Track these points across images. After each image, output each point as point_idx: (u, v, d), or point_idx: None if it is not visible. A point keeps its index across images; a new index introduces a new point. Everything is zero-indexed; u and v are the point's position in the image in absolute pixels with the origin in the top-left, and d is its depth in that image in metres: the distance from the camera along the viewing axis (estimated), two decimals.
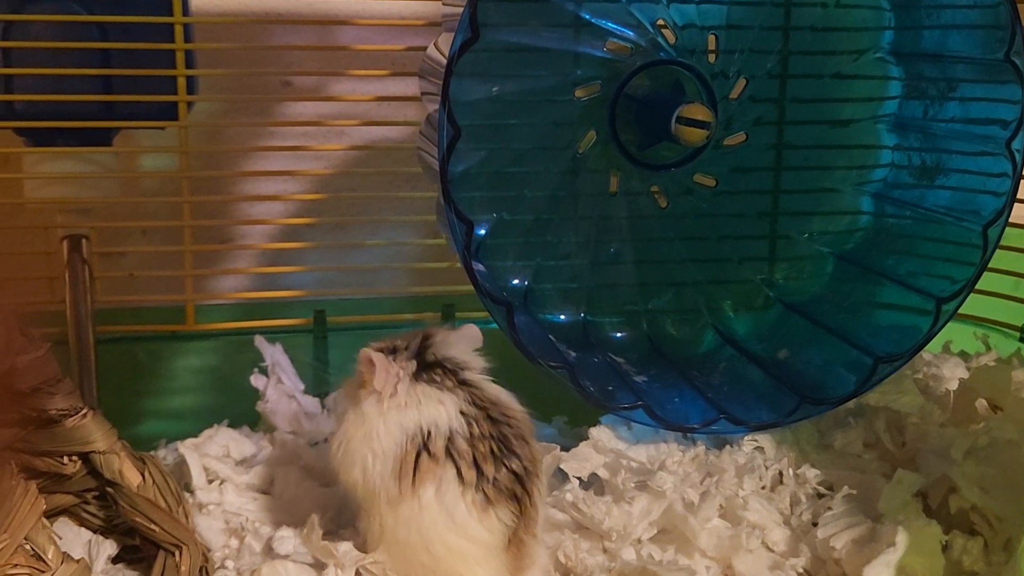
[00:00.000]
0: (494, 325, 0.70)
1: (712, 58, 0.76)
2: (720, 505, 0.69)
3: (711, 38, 0.76)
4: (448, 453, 0.59)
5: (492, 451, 0.60)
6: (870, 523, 0.66)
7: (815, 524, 0.68)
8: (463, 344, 0.64)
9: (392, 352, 0.62)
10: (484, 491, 0.59)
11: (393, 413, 0.61)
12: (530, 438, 0.62)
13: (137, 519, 0.63)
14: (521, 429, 0.61)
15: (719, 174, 0.79)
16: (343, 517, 0.69)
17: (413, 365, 0.62)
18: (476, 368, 0.63)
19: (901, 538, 0.62)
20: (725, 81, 0.77)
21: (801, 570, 0.66)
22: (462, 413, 0.60)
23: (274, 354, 0.82)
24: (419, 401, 0.61)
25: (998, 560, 0.64)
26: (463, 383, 0.62)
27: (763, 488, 0.73)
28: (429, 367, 0.62)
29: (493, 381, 0.64)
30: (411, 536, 0.59)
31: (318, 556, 0.62)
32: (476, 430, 0.60)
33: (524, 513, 0.60)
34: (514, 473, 0.60)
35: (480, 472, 0.59)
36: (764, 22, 0.77)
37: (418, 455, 0.59)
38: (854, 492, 0.69)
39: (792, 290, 0.82)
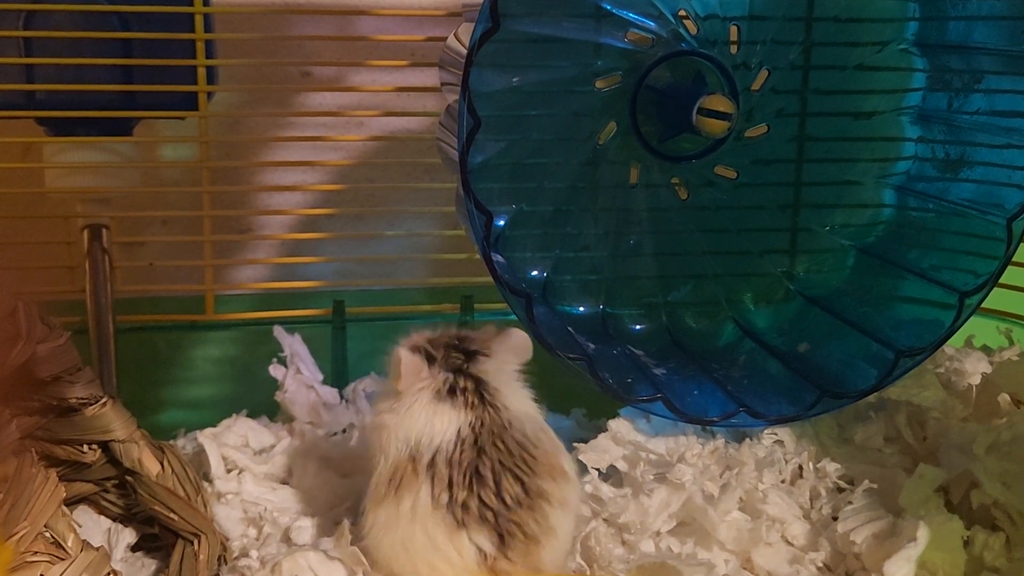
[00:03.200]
0: (513, 317, 0.70)
1: (734, 49, 0.76)
2: (740, 498, 0.69)
3: (733, 29, 0.76)
4: (429, 469, 0.59)
5: (470, 477, 0.58)
6: (891, 518, 0.65)
7: (835, 518, 0.68)
8: (510, 357, 0.63)
9: (430, 360, 0.62)
10: (454, 513, 0.58)
11: (405, 419, 0.60)
12: (546, 474, 0.60)
13: (156, 508, 0.64)
14: (531, 462, 0.60)
15: (740, 166, 0.79)
16: (362, 507, 0.69)
17: (446, 383, 0.61)
18: (513, 391, 0.62)
19: (922, 533, 0.61)
20: (747, 72, 0.76)
21: (820, 564, 0.65)
22: (458, 433, 0.60)
23: (293, 344, 0.82)
24: (432, 413, 0.60)
25: (1020, 556, 0.63)
26: (487, 404, 0.61)
27: (783, 482, 0.72)
28: (461, 388, 0.61)
29: (537, 406, 0.63)
30: (394, 543, 0.59)
31: (347, 562, 0.62)
32: (460, 454, 0.59)
33: (507, 543, 0.58)
34: (488, 504, 0.58)
35: (451, 495, 0.58)
36: (787, 13, 0.77)
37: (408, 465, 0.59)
38: (875, 486, 0.68)
39: (813, 283, 0.81)
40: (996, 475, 0.66)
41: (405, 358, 0.61)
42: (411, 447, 0.60)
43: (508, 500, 0.58)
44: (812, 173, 0.80)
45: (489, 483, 0.58)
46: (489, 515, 0.58)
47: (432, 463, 0.59)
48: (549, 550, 0.59)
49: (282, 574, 0.60)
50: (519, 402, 0.62)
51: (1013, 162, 0.72)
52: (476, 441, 0.59)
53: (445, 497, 0.58)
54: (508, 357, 0.63)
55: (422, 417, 0.60)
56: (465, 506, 0.58)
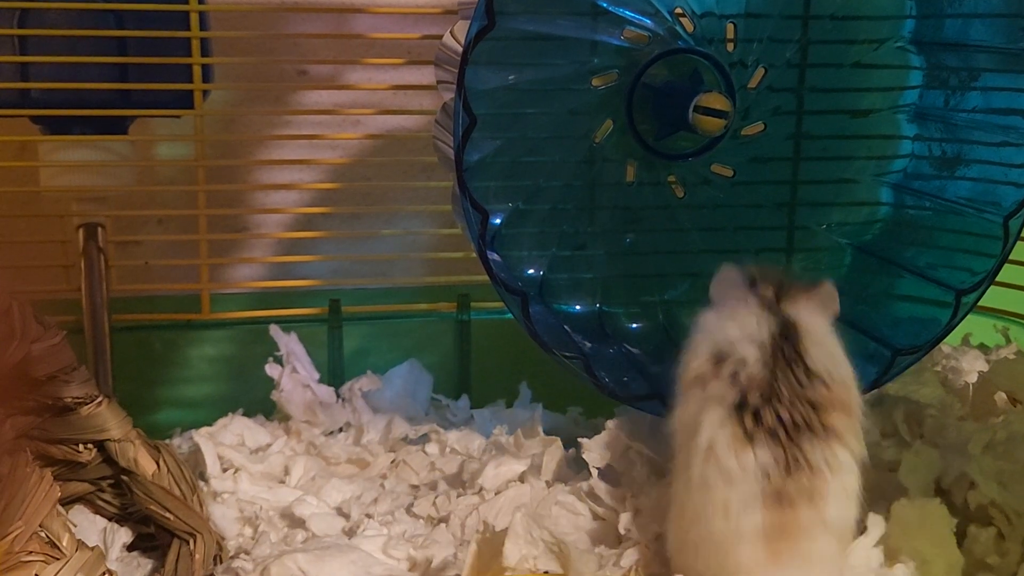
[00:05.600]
0: (509, 315, 0.70)
1: (731, 47, 0.76)
2: None
3: (729, 26, 0.75)
4: (730, 376, 0.58)
5: (765, 392, 0.58)
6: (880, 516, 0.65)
7: None
8: (817, 310, 0.63)
9: (751, 282, 0.63)
10: (744, 424, 0.57)
11: (716, 323, 0.62)
12: (840, 411, 0.59)
13: (152, 507, 0.63)
14: (825, 395, 0.59)
15: (737, 164, 0.78)
16: (360, 505, 0.69)
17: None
18: (818, 334, 0.62)
19: (874, 522, 0.61)
20: (744, 70, 0.76)
21: None
22: (761, 348, 0.59)
23: (289, 343, 0.82)
24: (741, 325, 0.60)
25: (1013, 551, 0.63)
26: (789, 336, 0.60)
27: None
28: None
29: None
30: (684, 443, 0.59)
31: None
32: (759, 368, 0.58)
33: (791, 471, 0.57)
34: (781, 419, 0.57)
35: (745, 404, 0.58)
36: (783, 10, 0.77)
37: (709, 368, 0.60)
38: (873, 483, 0.68)
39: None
40: (992, 475, 0.66)
41: (725, 270, 0.64)
42: (717, 351, 0.60)
43: (800, 422, 0.57)
44: (809, 171, 0.80)
45: (784, 401, 0.58)
46: (780, 433, 0.57)
47: (734, 372, 0.59)
48: (833, 499, 0.57)
49: None
50: (822, 343, 0.61)
51: (1010, 160, 0.72)
52: (776, 360, 0.59)
53: (738, 404, 0.57)
54: (817, 307, 0.63)
55: (731, 325, 0.61)
56: (757, 416, 0.57)
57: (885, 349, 0.73)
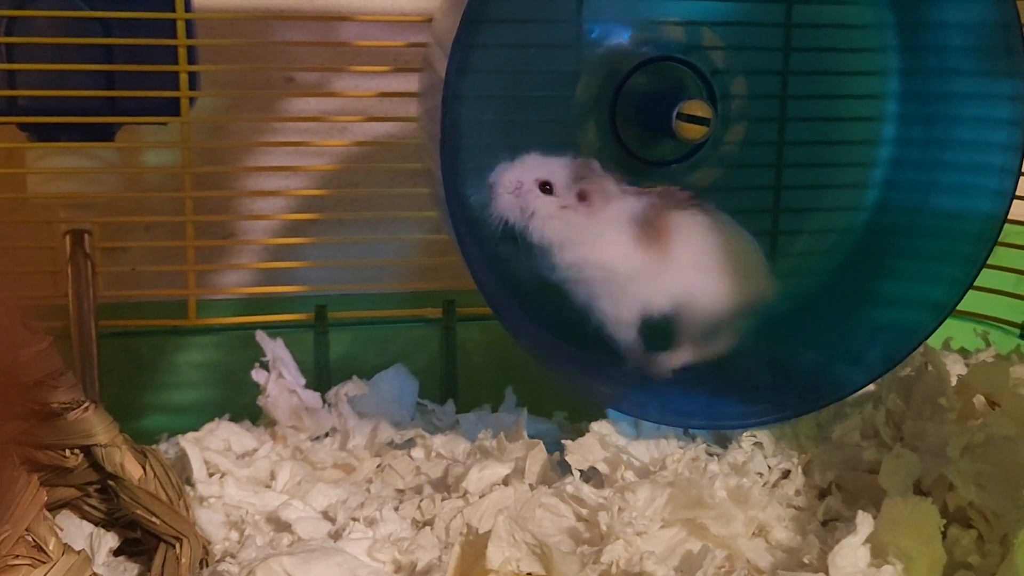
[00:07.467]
0: (494, 321, 0.70)
1: (712, 55, 0.76)
2: (721, 500, 0.69)
3: (709, 34, 0.76)
4: None
5: None
6: (868, 514, 0.66)
7: (816, 517, 0.69)
8: None
9: None
10: None
11: None
12: None
13: (138, 512, 0.64)
14: None
15: (721, 170, 0.79)
16: (346, 509, 0.70)
17: None
18: None
19: (863, 521, 0.62)
20: (725, 77, 0.77)
21: (806, 560, 0.66)
22: None
23: (275, 349, 0.82)
24: None
25: (993, 552, 0.64)
26: None
27: (764, 484, 0.73)
28: None
29: None
30: None
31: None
32: None
33: None
34: None
35: None
36: (765, 18, 0.77)
37: None
38: (854, 484, 0.69)
39: (792, 288, 0.82)
40: (970, 477, 0.66)
41: None
42: None
43: None
44: (790, 177, 0.81)
45: None
46: None
47: None
48: None
49: None
50: None
51: (987, 165, 0.73)
52: None
53: None
54: None
55: None
56: None
57: (866, 353, 0.74)
